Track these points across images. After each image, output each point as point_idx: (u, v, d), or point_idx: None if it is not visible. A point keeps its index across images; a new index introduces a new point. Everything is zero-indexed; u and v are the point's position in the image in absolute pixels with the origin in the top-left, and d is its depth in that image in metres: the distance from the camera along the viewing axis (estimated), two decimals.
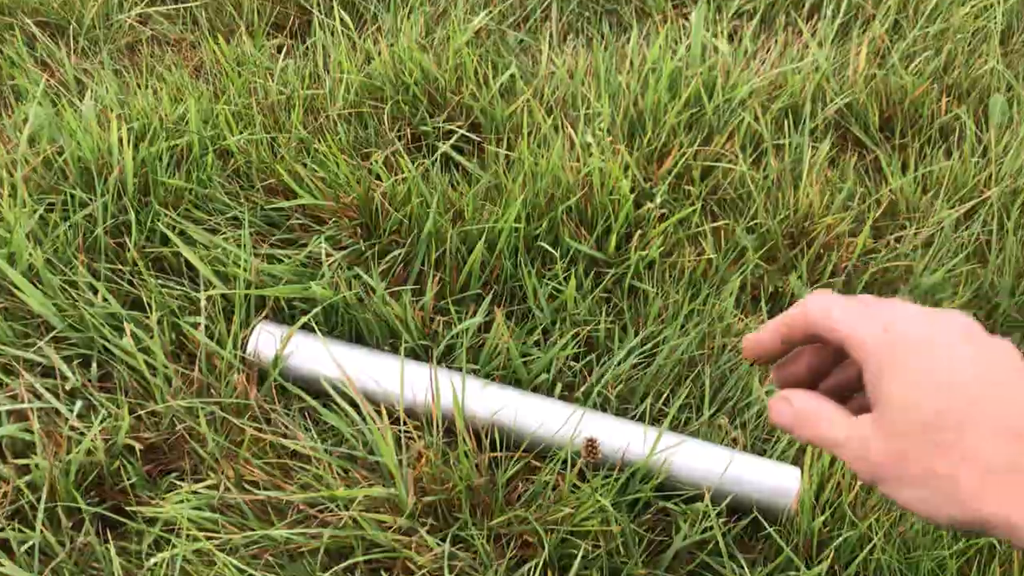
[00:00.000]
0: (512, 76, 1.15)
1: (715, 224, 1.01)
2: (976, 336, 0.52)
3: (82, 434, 0.79)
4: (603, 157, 1.00)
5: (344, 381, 0.83)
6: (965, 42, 1.27)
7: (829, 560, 0.76)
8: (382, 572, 0.73)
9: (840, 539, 0.77)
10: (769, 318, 0.95)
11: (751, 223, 1.02)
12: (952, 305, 0.95)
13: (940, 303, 0.97)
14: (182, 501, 0.76)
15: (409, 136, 1.09)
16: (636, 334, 0.92)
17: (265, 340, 0.86)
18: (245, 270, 0.89)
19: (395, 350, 0.88)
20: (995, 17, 1.29)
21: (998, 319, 0.98)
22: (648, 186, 1.02)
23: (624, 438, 0.80)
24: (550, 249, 0.94)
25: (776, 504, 0.80)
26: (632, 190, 0.99)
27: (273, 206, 0.98)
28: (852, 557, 0.78)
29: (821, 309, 0.54)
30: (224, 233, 0.95)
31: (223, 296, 0.89)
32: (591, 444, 0.71)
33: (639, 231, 0.97)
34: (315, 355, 0.86)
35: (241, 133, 1.01)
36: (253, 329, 0.87)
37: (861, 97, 1.16)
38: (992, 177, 1.09)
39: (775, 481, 0.80)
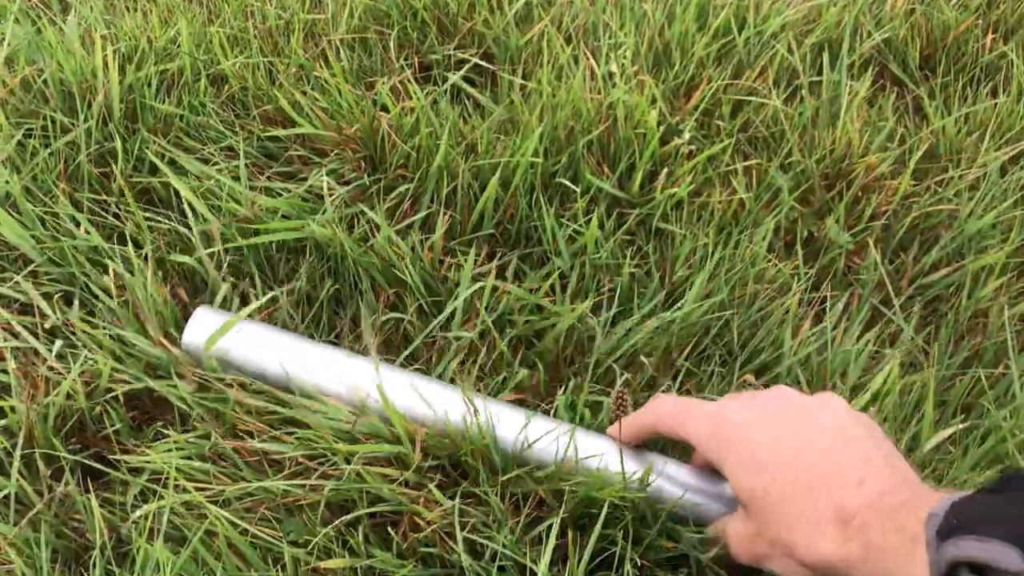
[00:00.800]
0: (528, 2, 1.07)
1: (747, 163, 0.94)
2: (785, 405, 0.62)
3: (62, 376, 0.73)
4: (627, 88, 0.93)
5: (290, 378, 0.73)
6: None
7: None
8: (388, 527, 0.67)
9: None
10: (804, 264, 0.89)
11: (785, 162, 0.95)
12: (1001, 253, 0.89)
13: (987, 250, 0.91)
14: (170, 450, 0.70)
15: (417, 65, 1.02)
16: (662, 280, 0.85)
17: (200, 329, 0.75)
18: (241, 204, 0.82)
19: (398, 302, 0.81)
20: None
21: None
22: (675, 122, 0.95)
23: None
24: (570, 185, 0.87)
25: None
26: (658, 125, 0.92)
27: (270, 134, 0.90)
28: None
29: (666, 415, 0.67)
30: (218, 164, 0.88)
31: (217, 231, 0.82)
32: (621, 398, 0.64)
33: (665, 169, 0.90)
34: (259, 348, 0.74)
35: (237, 56, 0.94)
36: (191, 316, 0.75)
37: (901, 32, 1.09)
38: None
39: None
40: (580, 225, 0.86)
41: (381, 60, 1.00)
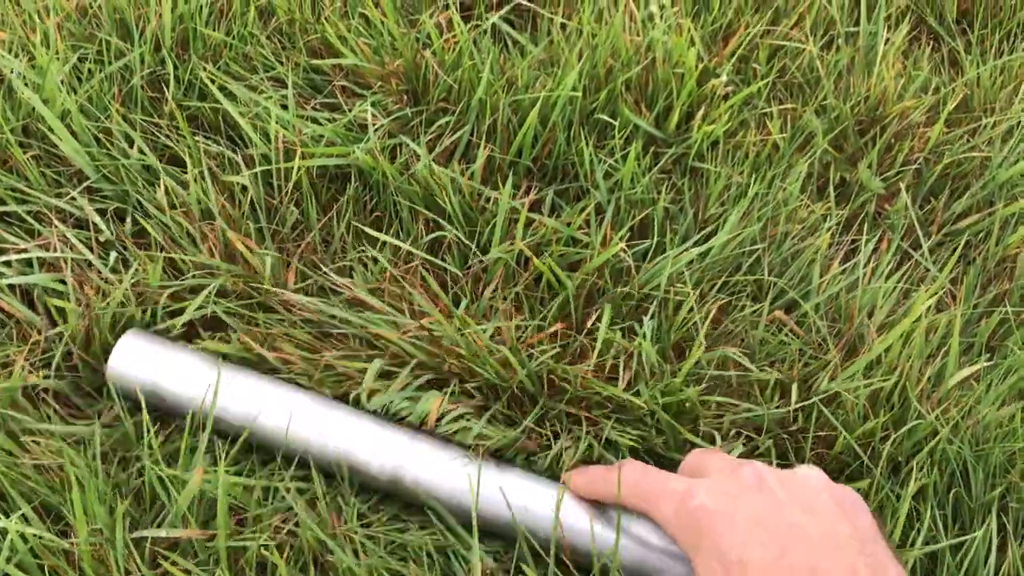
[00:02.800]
0: None
1: (782, 107, 0.95)
2: (765, 497, 0.56)
3: (114, 287, 0.75)
4: (666, 29, 0.94)
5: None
6: None
7: (892, 445, 0.73)
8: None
9: (905, 429, 0.73)
10: (836, 207, 0.90)
11: (820, 106, 0.96)
12: None
13: (1016, 198, 0.92)
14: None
15: (458, 5, 1.03)
16: (695, 216, 0.87)
17: (128, 359, 0.70)
18: (289, 130, 0.85)
19: (437, 229, 0.84)
20: None
21: None
22: (712, 65, 0.96)
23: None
24: (609, 120, 0.89)
25: None
26: (696, 66, 0.94)
27: (315, 64, 0.93)
28: (916, 449, 0.74)
29: (632, 489, 0.62)
30: (265, 92, 0.90)
31: (264, 157, 0.84)
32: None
33: (702, 109, 0.92)
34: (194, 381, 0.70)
35: None
36: (117, 342, 0.72)
37: None
38: None
39: None
40: (616, 160, 0.88)
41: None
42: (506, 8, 1.02)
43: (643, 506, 0.61)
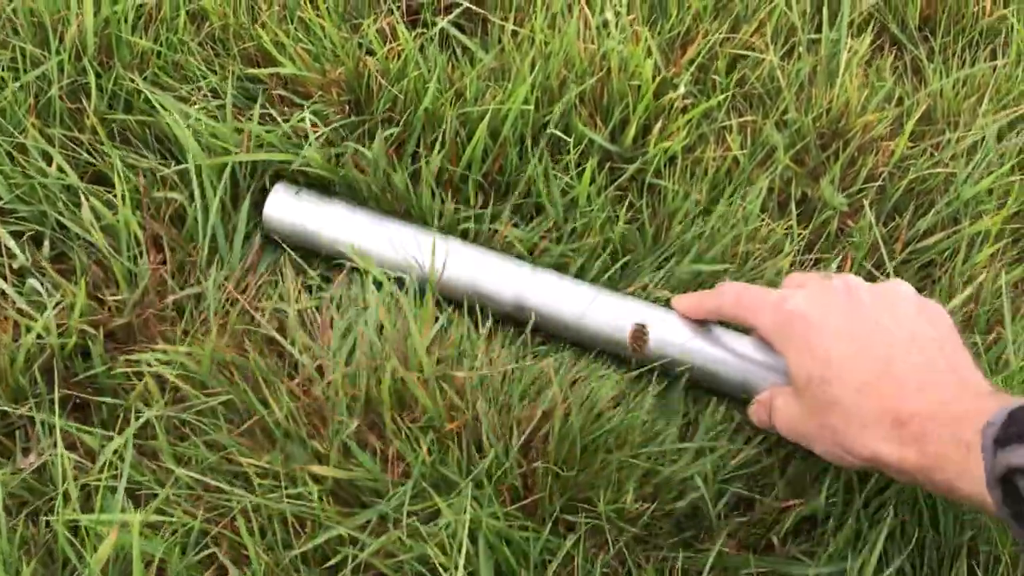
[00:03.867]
0: None
1: (742, 119, 0.91)
2: (852, 301, 0.62)
3: (31, 320, 0.70)
4: (622, 38, 0.90)
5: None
6: None
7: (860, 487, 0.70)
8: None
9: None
10: (797, 225, 0.87)
11: (781, 119, 0.93)
12: (997, 218, 0.87)
13: (982, 215, 0.89)
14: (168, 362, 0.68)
15: (405, 8, 0.98)
16: (654, 237, 0.84)
17: (280, 205, 0.80)
18: (226, 141, 0.79)
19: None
20: None
21: None
22: (670, 75, 0.92)
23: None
24: (562, 136, 0.85)
25: None
26: (653, 77, 0.90)
27: (252, 74, 0.87)
28: (884, 487, 0.71)
29: (731, 302, 0.69)
30: (197, 104, 0.84)
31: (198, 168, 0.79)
32: (640, 331, 0.63)
33: (659, 123, 0.88)
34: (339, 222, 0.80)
35: None
36: (271, 191, 0.80)
37: None
38: None
39: None
40: (571, 178, 0.84)
41: (368, 2, 0.96)
42: (455, 12, 0.97)
43: (745, 316, 0.68)
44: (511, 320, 0.77)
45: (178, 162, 0.81)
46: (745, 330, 0.74)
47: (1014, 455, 0.45)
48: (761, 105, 0.95)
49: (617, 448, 0.68)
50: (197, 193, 0.77)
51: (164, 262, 0.75)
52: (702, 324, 0.73)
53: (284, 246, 0.80)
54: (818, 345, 0.60)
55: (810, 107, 0.93)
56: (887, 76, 1.00)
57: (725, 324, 0.74)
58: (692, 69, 0.93)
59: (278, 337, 0.69)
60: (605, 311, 0.74)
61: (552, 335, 0.77)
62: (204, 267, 0.74)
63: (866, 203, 0.89)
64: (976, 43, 1.07)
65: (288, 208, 0.80)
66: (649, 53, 0.91)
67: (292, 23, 0.92)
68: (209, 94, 0.86)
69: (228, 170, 0.79)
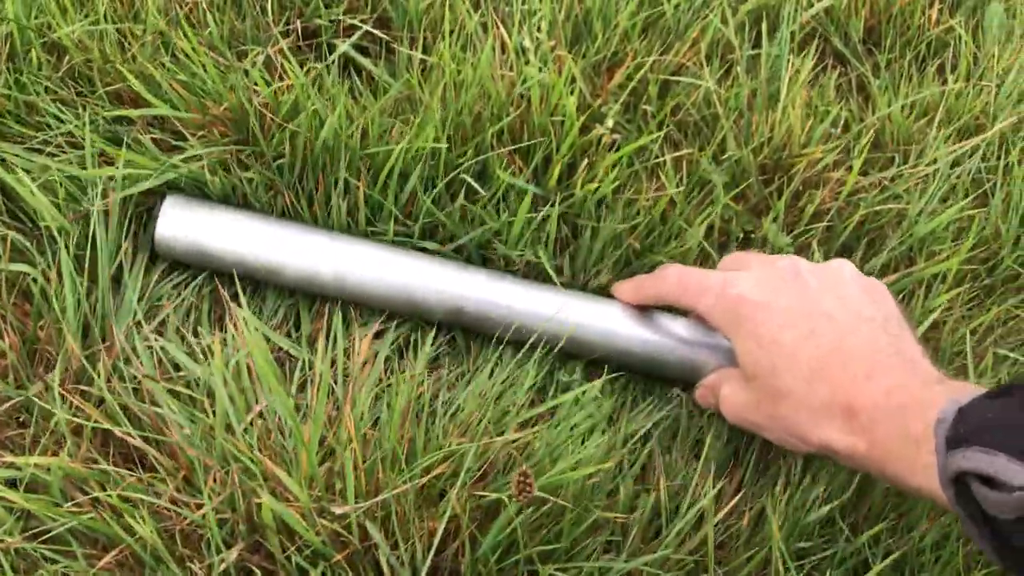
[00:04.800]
0: None
1: (677, 154, 0.83)
2: (798, 284, 0.61)
3: None
4: (543, 67, 0.80)
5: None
6: None
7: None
8: None
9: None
10: None
11: (719, 152, 0.84)
12: (951, 257, 0.80)
13: (938, 253, 0.82)
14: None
15: (300, 30, 0.87)
16: (585, 285, 0.75)
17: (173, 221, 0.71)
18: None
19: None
20: None
21: (998, 275, 0.83)
22: (596, 105, 0.83)
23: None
24: (475, 185, 0.75)
25: None
26: (578, 110, 0.80)
27: (120, 115, 0.76)
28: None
29: (673, 285, 0.68)
30: (55, 155, 0.73)
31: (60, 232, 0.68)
32: (523, 480, 0.53)
33: (585, 161, 0.79)
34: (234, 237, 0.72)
35: (79, 22, 0.78)
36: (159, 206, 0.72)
37: (843, 2, 0.99)
38: (991, 105, 0.93)
39: None
40: (493, 220, 0.75)
41: (256, 25, 0.85)
42: (357, 35, 0.87)
43: (686, 300, 0.67)
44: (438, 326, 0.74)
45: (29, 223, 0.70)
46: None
47: (964, 459, 0.45)
48: (697, 135, 0.86)
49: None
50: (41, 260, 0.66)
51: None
52: (643, 310, 0.72)
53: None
54: (766, 333, 0.60)
55: (750, 137, 0.85)
56: (831, 95, 0.92)
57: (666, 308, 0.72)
58: (622, 97, 0.84)
59: (143, 446, 0.58)
60: (541, 304, 0.72)
61: (486, 334, 0.73)
62: (57, 352, 0.63)
63: (814, 243, 0.81)
64: (923, 57, 0.99)
65: (182, 223, 0.71)
66: (573, 81, 0.82)
67: (168, 53, 0.81)
68: (70, 141, 0.75)
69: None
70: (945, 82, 0.96)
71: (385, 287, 0.72)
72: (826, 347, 0.58)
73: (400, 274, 0.72)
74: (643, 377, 0.73)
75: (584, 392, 0.66)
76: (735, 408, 0.64)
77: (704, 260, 0.79)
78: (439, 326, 0.73)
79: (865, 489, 0.69)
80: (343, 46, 0.85)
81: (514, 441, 0.61)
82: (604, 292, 0.75)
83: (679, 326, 0.71)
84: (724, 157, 0.83)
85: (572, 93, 0.79)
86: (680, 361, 0.70)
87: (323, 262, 0.72)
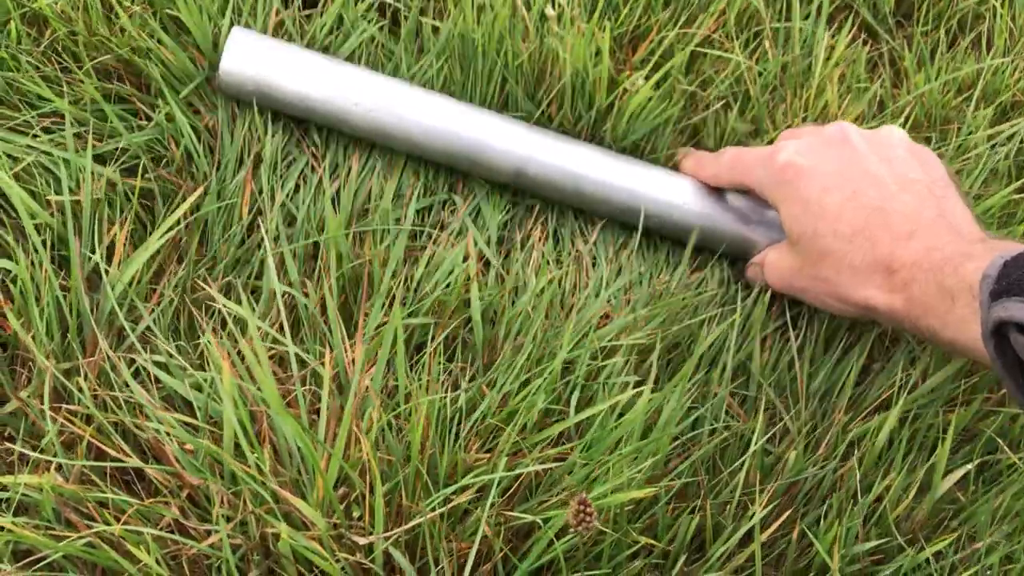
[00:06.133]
0: None
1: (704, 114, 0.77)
2: (845, 149, 0.62)
3: None
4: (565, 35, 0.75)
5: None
6: None
7: None
8: None
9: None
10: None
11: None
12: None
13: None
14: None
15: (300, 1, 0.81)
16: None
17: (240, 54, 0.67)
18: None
19: None
20: None
21: None
22: (622, 78, 0.77)
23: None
24: None
25: None
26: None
27: (109, 90, 0.70)
28: None
29: (727, 164, 0.69)
30: (37, 136, 0.67)
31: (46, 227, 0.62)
32: (583, 508, 0.48)
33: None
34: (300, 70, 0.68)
35: None
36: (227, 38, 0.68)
37: None
38: None
39: None
40: None
41: None
42: (363, 6, 0.80)
43: (741, 178, 0.67)
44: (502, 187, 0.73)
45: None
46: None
47: (1004, 309, 0.44)
48: (727, 110, 0.81)
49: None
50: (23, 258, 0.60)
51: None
52: (704, 185, 0.72)
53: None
54: (810, 196, 0.60)
55: (783, 115, 0.79)
56: (862, 72, 0.87)
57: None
58: (645, 71, 0.78)
59: (141, 465, 0.53)
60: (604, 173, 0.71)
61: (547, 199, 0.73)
62: (45, 358, 0.57)
63: None
64: (954, 32, 0.94)
65: (251, 57, 0.67)
66: (597, 54, 0.76)
67: (158, 20, 0.74)
68: (56, 121, 0.68)
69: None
70: (980, 57, 0.91)
71: (452, 142, 0.69)
72: (869, 207, 0.58)
73: (470, 129, 0.70)
74: (700, 251, 0.73)
75: (621, 403, 0.61)
76: (779, 273, 0.65)
77: None
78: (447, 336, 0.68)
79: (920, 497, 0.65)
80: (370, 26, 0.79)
81: (544, 460, 0.56)
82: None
83: (737, 201, 0.72)
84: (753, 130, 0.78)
85: (596, 67, 0.73)
86: (735, 236, 0.71)
87: (392, 108, 0.69)
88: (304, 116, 0.70)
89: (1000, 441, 0.66)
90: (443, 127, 0.69)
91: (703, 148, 0.78)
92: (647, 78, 0.78)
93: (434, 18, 0.79)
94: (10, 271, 0.59)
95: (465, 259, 0.66)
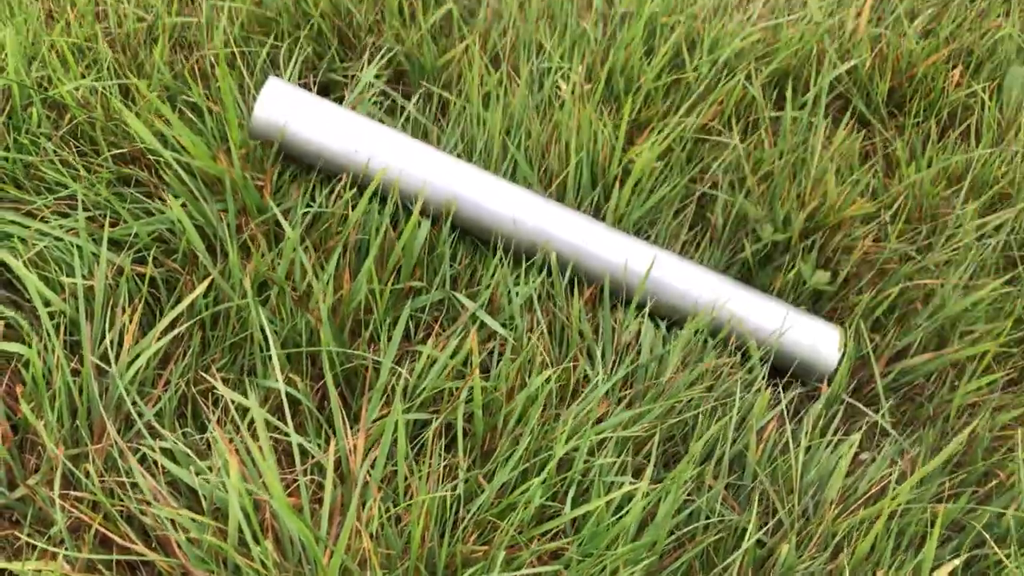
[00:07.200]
0: (449, 12, 0.90)
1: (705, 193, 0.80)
2: None
3: None
4: (573, 112, 0.77)
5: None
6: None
7: None
8: None
9: None
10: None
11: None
12: (985, 337, 0.77)
13: (968, 332, 0.79)
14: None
15: (315, 86, 0.84)
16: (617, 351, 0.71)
17: (275, 104, 0.71)
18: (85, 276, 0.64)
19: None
20: None
21: None
22: (626, 158, 0.80)
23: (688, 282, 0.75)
24: None
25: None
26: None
27: (127, 174, 0.72)
28: None
29: None
30: (52, 219, 0.69)
31: (60, 314, 0.63)
32: None
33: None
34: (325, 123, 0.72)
35: (82, 77, 0.74)
36: (264, 85, 0.75)
37: (866, 63, 0.96)
38: (1017, 174, 0.91)
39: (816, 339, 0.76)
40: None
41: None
42: (372, 91, 0.83)
43: None
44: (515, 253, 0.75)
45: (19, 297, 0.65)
46: None
47: None
48: (729, 192, 0.83)
49: None
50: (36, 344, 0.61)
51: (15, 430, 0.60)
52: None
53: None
54: None
55: (783, 204, 0.82)
56: (855, 161, 0.90)
57: None
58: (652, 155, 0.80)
59: (147, 556, 0.54)
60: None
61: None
62: (57, 441, 0.59)
63: (847, 319, 0.78)
64: (946, 123, 0.97)
65: (285, 106, 0.71)
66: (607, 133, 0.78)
67: (175, 109, 0.77)
68: (71, 205, 0.70)
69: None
70: (969, 148, 0.93)
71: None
72: None
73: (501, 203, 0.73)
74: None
75: (619, 498, 0.62)
76: None
77: None
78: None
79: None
80: (362, 93, 0.81)
81: (540, 555, 0.57)
82: None
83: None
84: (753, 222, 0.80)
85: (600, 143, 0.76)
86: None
87: (404, 164, 0.72)
88: (324, 167, 0.73)
89: (987, 535, 0.67)
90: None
91: (710, 228, 0.80)
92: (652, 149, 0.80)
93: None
94: (23, 356, 0.61)
95: (464, 357, 0.67)
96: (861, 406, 0.74)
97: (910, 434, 0.75)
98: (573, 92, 0.79)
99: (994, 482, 0.72)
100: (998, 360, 0.80)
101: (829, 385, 0.76)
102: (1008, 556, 0.66)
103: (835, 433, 0.73)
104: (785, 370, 0.76)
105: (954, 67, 1.00)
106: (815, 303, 0.81)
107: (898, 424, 0.76)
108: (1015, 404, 0.76)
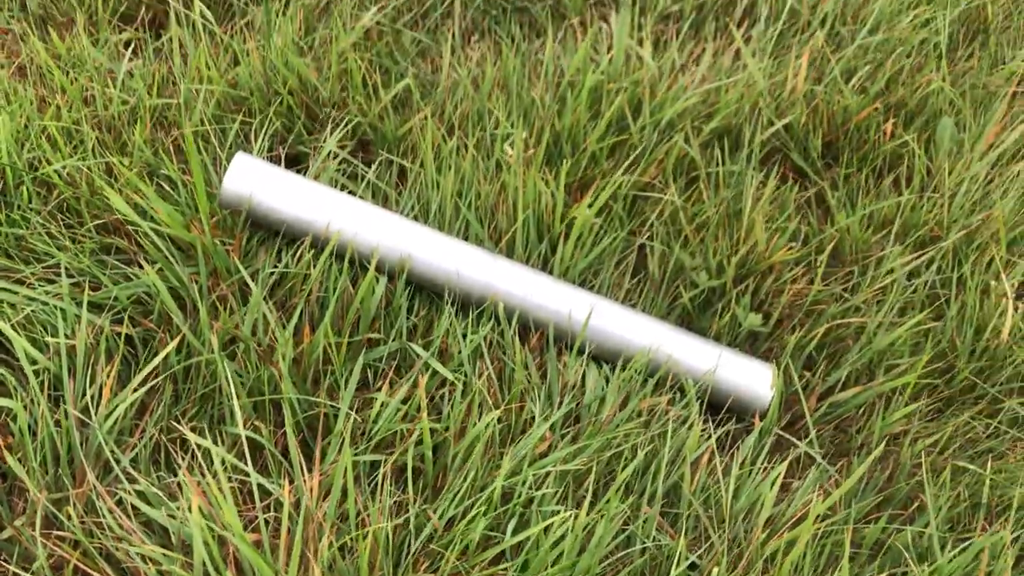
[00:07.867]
0: (408, 86, 0.98)
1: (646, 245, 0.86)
2: None
3: None
4: (518, 176, 0.84)
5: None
6: (907, 55, 1.15)
7: None
8: None
9: None
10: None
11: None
12: (911, 370, 0.83)
13: (895, 366, 0.85)
14: None
15: (283, 157, 0.91)
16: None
17: (241, 177, 0.80)
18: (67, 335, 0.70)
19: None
20: (939, 29, 1.18)
21: (955, 386, 0.86)
22: (569, 216, 0.86)
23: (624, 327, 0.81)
24: None
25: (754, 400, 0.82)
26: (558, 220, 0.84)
27: (108, 244, 0.79)
28: None
29: None
30: (37, 285, 0.76)
31: (45, 371, 0.70)
32: None
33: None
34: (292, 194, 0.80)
35: (70, 157, 0.82)
36: (231, 160, 0.82)
37: (802, 119, 1.03)
38: (945, 216, 0.97)
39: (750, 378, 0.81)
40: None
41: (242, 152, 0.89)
42: (336, 160, 0.90)
43: None
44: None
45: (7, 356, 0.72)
46: None
47: None
48: (666, 244, 0.90)
49: None
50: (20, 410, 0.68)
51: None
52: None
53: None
54: None
55: (714, 253, 0.88)
56: (790, 209, 0.96)
57: None
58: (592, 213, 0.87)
59: None
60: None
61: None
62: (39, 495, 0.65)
63: (776, 359, 0.84)
64: (880, 171, 1.04)
65: (251, 179, 0.79)
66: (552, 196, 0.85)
67: (152, 183, 0.84)
68: (57, 272, 0.77)
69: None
70: (900, 195, 1.00)
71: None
72: None
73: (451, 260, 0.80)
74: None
75: (554, 524, 0.67)
76: None
77: None
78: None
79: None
80: (328, 164, 0.89)
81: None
82: None
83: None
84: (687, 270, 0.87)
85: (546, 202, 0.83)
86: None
87: (360, 227, 0.79)
88: (288, 232, 0.80)
89: (908, 554, 0.72)
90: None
91: (648, 278, 0.86)
92: (590, 207, 0.87)
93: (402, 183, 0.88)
94: (11, 409, 0.67)
95: (415, 404, 0.73)
96: (789, 436, 0.80)
97: (841, 464, 0.80)
98: (520, 157, 0.86)
99: (915, 504, 0.77)
100: (926, 391, 0.86)
101: (762, 420, 0.81)
102: (924, 573, 0.71)
103: (767, 463, 0.78)
104: (723, 407, 0.82)
105: (887, 120, 1.07)
106: (752, 344, 0.87)
107: (828, 455, 0.81)
108: (935, 431, 0.82)
